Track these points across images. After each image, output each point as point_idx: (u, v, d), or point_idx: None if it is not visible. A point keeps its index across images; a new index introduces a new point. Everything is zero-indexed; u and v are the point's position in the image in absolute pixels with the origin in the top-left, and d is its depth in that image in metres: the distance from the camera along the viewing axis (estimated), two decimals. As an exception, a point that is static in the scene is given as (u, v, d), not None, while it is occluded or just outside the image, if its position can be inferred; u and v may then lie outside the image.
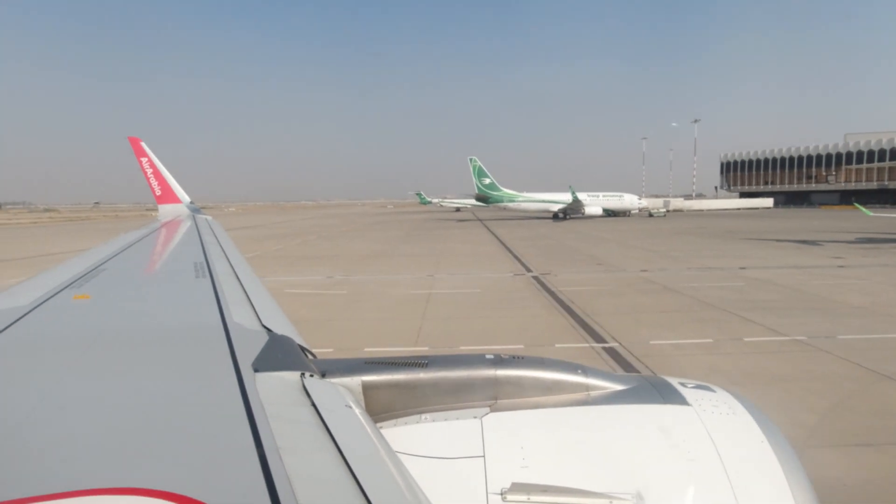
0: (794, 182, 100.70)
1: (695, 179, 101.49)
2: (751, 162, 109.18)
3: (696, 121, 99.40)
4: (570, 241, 38.10)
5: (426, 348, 11.69)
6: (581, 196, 70.27)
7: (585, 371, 2.13)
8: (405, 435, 1.89)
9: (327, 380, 1.91)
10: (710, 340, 11.92)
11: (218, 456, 1.25)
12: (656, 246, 33.54)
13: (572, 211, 68.64)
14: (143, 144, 11.23)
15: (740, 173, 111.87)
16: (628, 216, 72.97)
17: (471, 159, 70.87)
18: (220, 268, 4.16)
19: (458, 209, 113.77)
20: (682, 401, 2.02)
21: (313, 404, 1.56)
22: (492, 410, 1.98)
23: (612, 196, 73.04)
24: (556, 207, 70.30)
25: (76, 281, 3.55)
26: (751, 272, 21.75)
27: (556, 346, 11.82)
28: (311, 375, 1.81)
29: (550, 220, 66.67)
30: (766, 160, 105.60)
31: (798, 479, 1.77)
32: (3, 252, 36.92)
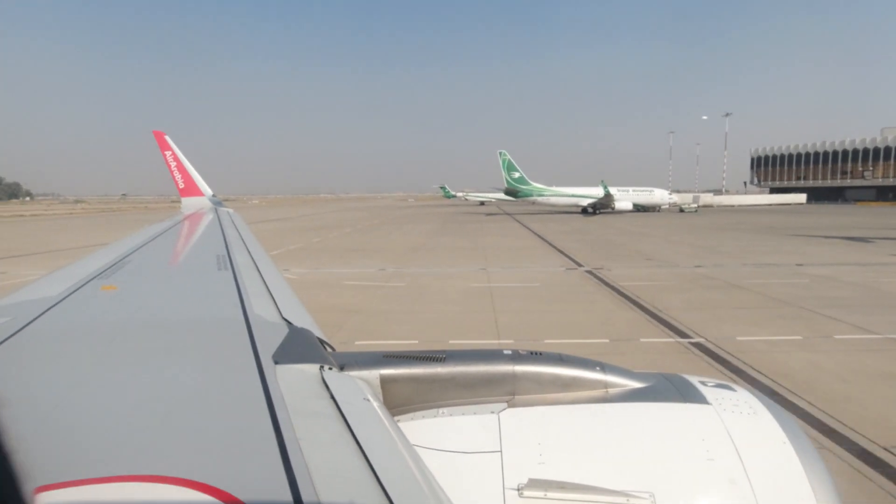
0: (828, 177, 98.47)
1: (725, 175, 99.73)
2: (782, 157, 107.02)
3: (727, 114, 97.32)
4: (609, 236, 37.78)
5: (511, 341, 11.75)
6: (611, 190, 69.53)
7: (604, 368, 2.13)
8: (422, 429, 1.89)
9: (346, 373, 1.92)
10: (800, 337, 11.76)
11: (239, 446, 1.28)
12: (700, 241, 33.09)
13: (602, 206, 67.93)
14: (168, 138, 11.38)
15: (771, 168, 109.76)
16: (658, 211, 72.05)
17: (500, 153, 70.55)
18: (241, 260, 4.19)
19: (482, 203, 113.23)
20: (702, 400, 1.99)
21: (332, 397, 1.58)
22: (509, 406, 1.98)
23: (643, 191, 72.09)
24: (585, 202, 69.61)
25: (104, 272, 3.63)
26: (810, 269, 21.36)
27: (641, 340, 11.80)
28: (331, 368, 1.83)
29: (580, 215, 66.10)
30: (799, 155, 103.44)
31: (822, 481, 1.72)
32: (68, 241, 37.91)
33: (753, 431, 1.86)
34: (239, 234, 6.18)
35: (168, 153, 11.35)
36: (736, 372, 9.61)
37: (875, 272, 20.48)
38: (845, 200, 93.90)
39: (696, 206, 75.77)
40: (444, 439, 1.86)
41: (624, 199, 68.55)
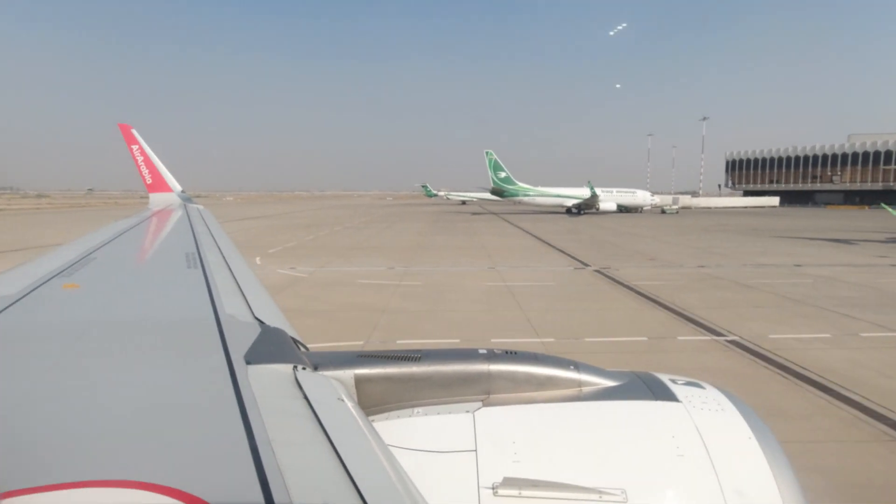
0: (799, 181, 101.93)
1: (702, 177, 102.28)
2: (756, 161, 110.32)
3: (704, 118, 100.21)
4: (603, 236, 38.37)
5: (552, 339, 11.88)
6: (596, 191, 70.68)
7: (578, 367, 2.16)
8: (397, 428, 1.90)
9: (320, 373, 1.91)
10: (829, 335, 12.20)
11: (210, 448, 1.26)
12: (693, 242, 33.89)
13: (587, 206, 68.99)
14: (134, 132, 11.03)
15: (745, 171, 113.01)
16: (640, 212, 73.47)
17: (487, 153, 71.04)
18: (211, 258, 4.13)
19: (463, 202, 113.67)
20: (672, 397, 2.04)
21: (305, 397, 1.57)
22: (484, 405, 2.00)
23: (626, 192, 73.47)
24: (570, 202, 70.64)
25: (65, 269, 3.50)
26: (809, 269, 22.11)
27: (679, 338, 12.06)
28: (304, 368, 1.82)
29: (565, 215, 66.99)
30: (772, 159, 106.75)
31: (785, 475, 1.79)
32: (53, 236, 36.61)
33: (721, 428, 1.92)
34: (209, 231, 6.03)
35: (135, 147, 10.96)
36: (784, 369, 9.91)
37: (871, 273, 21.34)
38: (815, 203, 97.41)
39: (676, 207, 77.62)
40: (419, 439, 1.87)
41: (608, 199, 69.69)
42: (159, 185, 10.98)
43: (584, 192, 70.80)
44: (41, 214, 70.63)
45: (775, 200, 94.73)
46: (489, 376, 2.08)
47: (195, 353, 2.00)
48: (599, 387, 2.12)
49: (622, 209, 72.36)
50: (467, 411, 1.96)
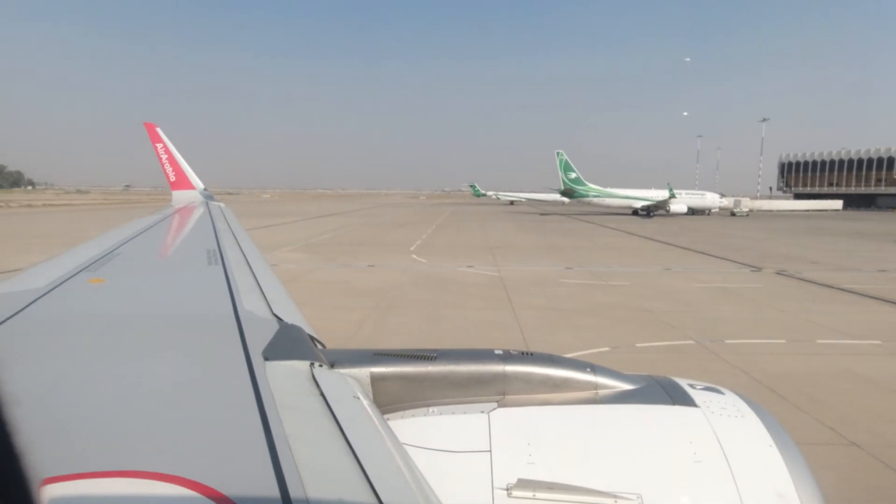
0: (861, 184, 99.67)
1: (760, 180, 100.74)
2: (814, 163, 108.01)
3: (764, 119, 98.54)
4: (711, 237, 37.87)
5: (852, 340, 11.75)
6: (663, 193, 70.07)
7: (594, 370, 2.12)
8: (412, 427, 1.88)
9: (336, 370, 1.91)
10: None
11: (228, 442, 1.27)
12: (823, 245, 33.31)
13: (657, 208, 68.36)
14: (159, 130, 11.17)
15: (802, 174, 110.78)
16: (708, 214, 72.53)
17: (557, 153, 70.70)
18: (232, 255, 4.14)
19: (511, 202, 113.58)
20: (690, 402, 2.00)
21: (322, 394, 1.57)
22: (499, 406, 1.98)
23: (695, 194, 72.69)
24: (639, 203, 70.08)
25: (91, 264, 3.55)
26: None
27: None
28: (321, 365, 1.82)
29: (642, 217, 66.18)
30: (830, 162, 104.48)
31: (806, 483, 1.74)
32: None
33: (740, 434, 1.88)
34: (230, 229, 6.07)
35: (159, 145, 11.10)
36: None
37: None
38: (878, 207, 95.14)
39: (746, 210, 76.44)
40: (434, 438, 1.85)
41: (679, 201, 68.93)
42: (182, 182, 11.06)
43: (654, 194, 70.29)
44: (98, 210, 72.05)
45: (838, 204, 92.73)
46: (504, 377, 2.06)
47: (215, 348, 2.01)
48: (616, 390, 2.08)
49: (691, 211, 71.55)
50: (482, 412, 1.94)
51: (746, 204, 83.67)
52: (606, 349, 11.29)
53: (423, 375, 2.05)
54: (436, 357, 2.10)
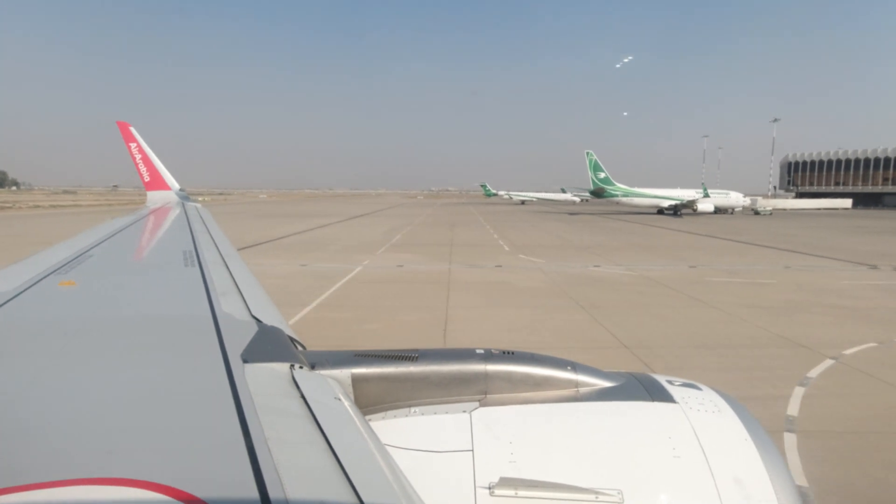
0: (868, 183, 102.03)
1: (771, 179, 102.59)
2: (820, 163, 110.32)
3: (775, 120, 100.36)
4: (799, 239, 38.25)
5: None
6: (689, 193, 71.04)
7: (575, 367, 2.15)
8: (394, 428, 1.90)
9: (317, 372, 1.91)
10: None
11: (206, 447, 1.25)
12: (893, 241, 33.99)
13: (684, 207, 69.26)
14: (133, 129, 11.02)
15: (808, 173, 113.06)
16: (731, 213, 73.63)
17: (587, 153, 71.22)
18: (208, 256, 4.09)
19: (522, 202, 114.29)
20: (669, 398, 2.04)
21: (302, 396, 1.57)
22: (481, 405, 2.00)
23: (720, 193, 73.77)
24: (666, 203, 70.93)
25: (62, 267, 3.47)
26: None
27: None
28: (301, 367, 1.81)
29: (660, 216, 67.16)
30: (837, 161, 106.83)
31: (780, 477, 1.80)
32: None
33: (717, 429, 1.92)
34: (207, 229, 5.97)
35: (133, 145, 10.92)
36: None
37: None
38: (885, 206, 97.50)
39: (770, 209, 77.83)
40: (416, 438, 1.87)
41: (707, 201, 69.91)
42: (157, 183, 10.90)
43: (680, 193, 71.30)
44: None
45: (847, 203, 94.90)
46: (486, 376, 2.08)
47: (192, 351, 1.97)
48: (596, 387, 2.11)
49: (716, 210, 72.61)
50: (464, 411, 1.97)
51: (769, 203, 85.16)
52: (874, 344, 11.45)
53: (404, 376, 2.06)
54: (417, 357, 2.11)
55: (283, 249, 28.69)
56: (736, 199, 74.38)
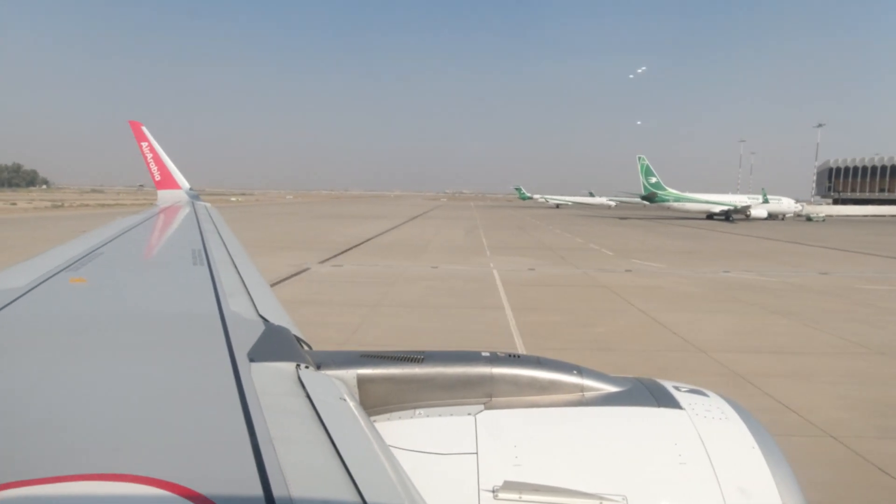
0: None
1: (814, 185, 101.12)
2: (863, 169, 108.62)
3: (820, 125, 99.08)
4: (860, 244, 37.84)
5: None
6: (741, 198, 70.41)
7: (581, 372, 2.12)
8: (399, 429, 1.89)
9: (322, 372, 1.90)
10: None
11: (211, 444, 1.25)
12: None
13: (737, 212, 68.60)
14: (144, 129, 11.11)
15: (850, 180, 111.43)
16: (782, 220, 72.78)
17: (639, 158, 70.93)
18: (217, 256, 4.09)
19: (557, 206, 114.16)
20: (675, 404, 2.02)
21: (308, 396, 1.56)
22: (486, 408, 1.98)
23: (772, 199, 72.95)
24: (717, 208, 70.33)
25: (73, 264, 3.49)
26: None
27: None
28: (307, 367, 1.81)
29: (710, 220, 66.60)
30: (882, 168, 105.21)
31: (788, 485, 1.76)
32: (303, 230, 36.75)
33: (724, 436, 1.89)
34: (216, 228, 5.99)
35: (144, 144, 11.00)
36: None
37: None
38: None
39: (823, 215, 76.82)
40: (421, 440, 1.86)
41: (761, 206, 69.23)
42: (168, 182, 10.95)
43: (731, 198, 70.94)
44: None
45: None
46: (491, 379, 2.06)
47: (199, 349, 1.99)
48: (602, 392, 2.09)
49: (769, 216, 71.84)
50: (469, 414, 1.95)
51: (820, 210, 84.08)
52: None
53: (409, 377, 2.05)
54: (423, 359, 2.10)
55: (386, 250, 28.76)
56: (788, 205, 73.39)
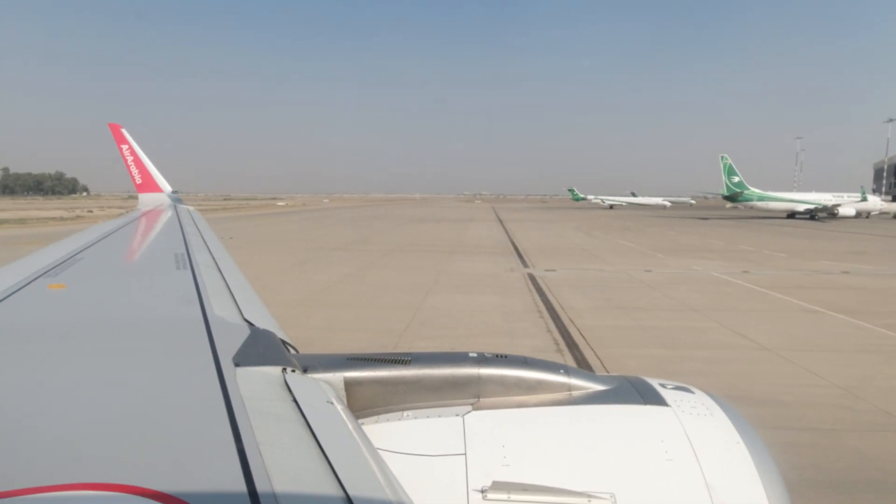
0: None
1: (885, 182, 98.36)
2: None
3: (890, 120, 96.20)
4: None
5: None
6: (825, 196, 68.90)
7: (568, 371, 2.13)
8: (387, 432, 1.88)
9: (309, 375, 1.89)
10: None
11: (197, 451, 1.22)
12: None
13: (823, 211, 67.05)
14: (124, 131, 10.89)
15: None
16: (867, 218, 70.76)
17: (722, 157, 70.05)
18: (201, 259, 4.03)
19: (611, 206, 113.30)
20: (661, 402, 2.02)
21: (294, 400, 1.54)
22: (474, 409, 1.98)
23: (854, 197, 71.32)
24: (802, 207, 68.92)
25: (51, 269, 3.40)
26: None
27: None
28: (293, 371, 1.79)
29: (791, 219, 65.50)
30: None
31: (772, 479, 1.78)
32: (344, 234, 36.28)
33: (709, 432, 1.90)
34: (199, 232, 5.88)
35: (125, 147, 10.76)
36: None
37: None
38: None
39: (910, 212, 74.55)
40: (409, 442, 1.85)
41: (849, 205, 67.61)
42: (149, 185, 10.75)
43: (815, 197, 69.87)
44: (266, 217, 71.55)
45: None
46: (479, 380, 2.05)
47: (183, 354, 1.96)
48: (589, 391, 2.09)
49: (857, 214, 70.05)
50: (457, 415, 1.94)
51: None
52: None
53: (397, 380, 2.04)
54: (410, 361, 2.09)
55: (565, 255, 28.01)
56: (874, 203, 71.65)
